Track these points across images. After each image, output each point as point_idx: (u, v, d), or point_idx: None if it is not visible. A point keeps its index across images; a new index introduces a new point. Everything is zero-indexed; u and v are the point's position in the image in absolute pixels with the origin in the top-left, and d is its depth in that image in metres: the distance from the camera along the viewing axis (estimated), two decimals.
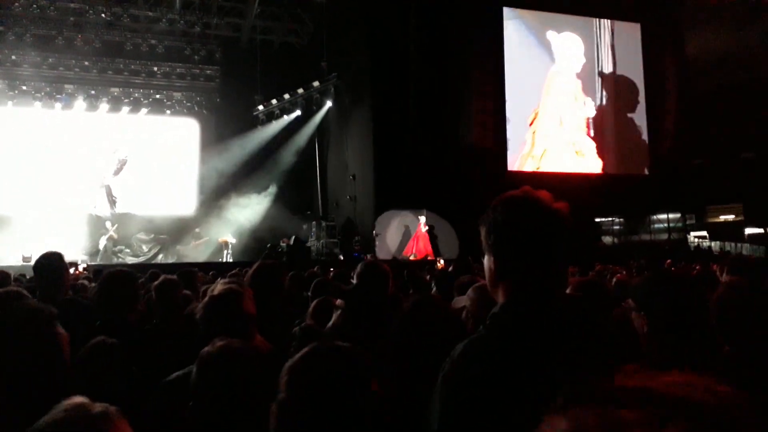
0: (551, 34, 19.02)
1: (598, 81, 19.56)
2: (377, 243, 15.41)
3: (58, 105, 17.95)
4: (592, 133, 19.28)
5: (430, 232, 15.38)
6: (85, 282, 5.50)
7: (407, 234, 16.04)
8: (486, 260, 1.45)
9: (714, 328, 1.88)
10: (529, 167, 18.33)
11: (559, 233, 1.38)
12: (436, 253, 14.76)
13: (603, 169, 19.23)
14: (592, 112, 19.33)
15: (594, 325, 1.48)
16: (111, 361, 1.70)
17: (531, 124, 18.56)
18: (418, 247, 15.41)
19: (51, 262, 3.20)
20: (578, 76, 19.27)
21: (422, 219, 15.53)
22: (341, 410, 1.12)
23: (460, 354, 1.36)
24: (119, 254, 17.52)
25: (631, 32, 20.13)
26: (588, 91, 19.40)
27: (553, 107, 18.87)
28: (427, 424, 1.35)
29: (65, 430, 1.02)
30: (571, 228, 1.39)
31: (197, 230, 18.00)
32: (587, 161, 19.14)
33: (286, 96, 18.57)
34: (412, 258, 14.36)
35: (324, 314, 2.92)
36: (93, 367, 1.69)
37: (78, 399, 1.10)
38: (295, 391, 1.10)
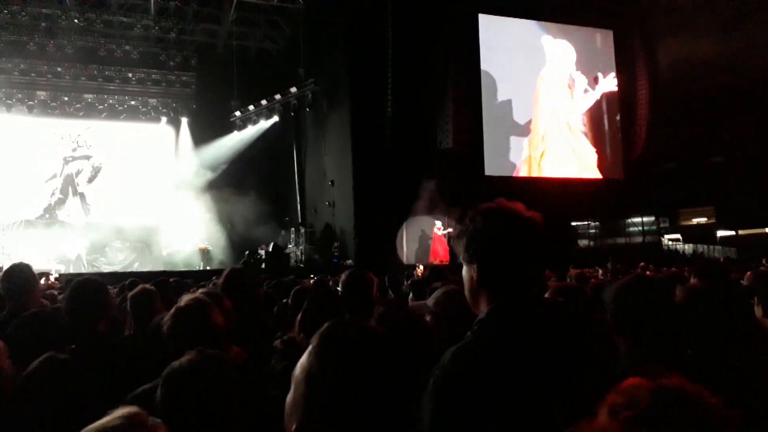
0: (546, 39, 19.30)
1: (577, 86, 19.83)
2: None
3: (29, 111, 17.61)
4: (585, 136, 19.67)
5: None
6: (54, 292, 5.39)
7: (424, 239, 16.00)
8: (466, 270, 1.51)
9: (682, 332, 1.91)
10: (525, 172, 18.54)
11: (535, 241, 1.45)
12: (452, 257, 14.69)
13: (601, 173, 19.60)
14: (580, 116, 19.69)
15: (576, 329, 1.52)
16: (61, 377, 1.66)
17: (530, 132, 18.80)
18: (437, 252, 15.42)
19: (19, 274, 3.11)
20: (567, 80, 19.59)
21: (438, 223, 15.52)
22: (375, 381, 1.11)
23: (451, 360, 1.39)
24: (94, 263, 17.22)
25: (604, 38, 20.48)
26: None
27: (548, 112, 19.15)
28: (417, 427, 1.37)
29: None
30: (545, 235, 1.46)
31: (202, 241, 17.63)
32: (587, 164, 19.47)
33: (264, 102, 18.48)
34: (435, 263, 14.23)
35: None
36: (41, 384, 1.65)
37: (132, 408, 1.10)
38: (325, 360, 1.09)
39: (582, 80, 19.70)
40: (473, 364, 1.36)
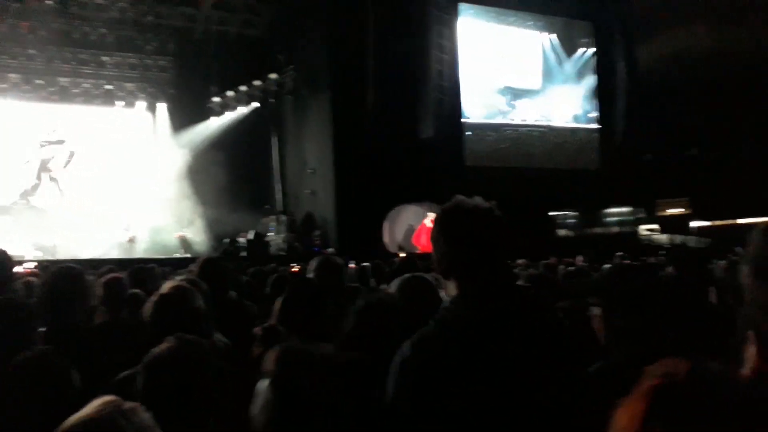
0: (508, 30, 19.36)
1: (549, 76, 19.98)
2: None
3: (1, 95, 17.18)
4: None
5: None
6: (33, 279, 5.30)
7: (410, 228, 16.00)
8: (436, 265, 1.56)
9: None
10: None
11: (489, 230, 1.51)
12: None
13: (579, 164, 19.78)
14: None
15: (541, 315, 1.54)
16: (45, 372, 1.66)
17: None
18: (420, 241, 15.47)
19: None
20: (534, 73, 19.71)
21: (430, 214, 15.51)
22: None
23: (410, 347, 1.41)
24: (71, 249, 16.92)
25: (582, 29, 20.62)
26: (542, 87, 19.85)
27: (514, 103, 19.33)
28: (380, 413, 1.39)
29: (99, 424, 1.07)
30: (502, 224, 1.52)
31: (125, 227, 17.08)
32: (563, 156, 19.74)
33: (243, 88, 18.27)
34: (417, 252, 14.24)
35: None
36: (24, 380, 1.65)
37: (107, 396, 1.14)
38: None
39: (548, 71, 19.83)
40: (432, 351, 1.39)
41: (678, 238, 18.99)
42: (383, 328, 1.72)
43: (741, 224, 18.44)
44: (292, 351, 1.13)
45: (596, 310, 1.88)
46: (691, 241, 18.63)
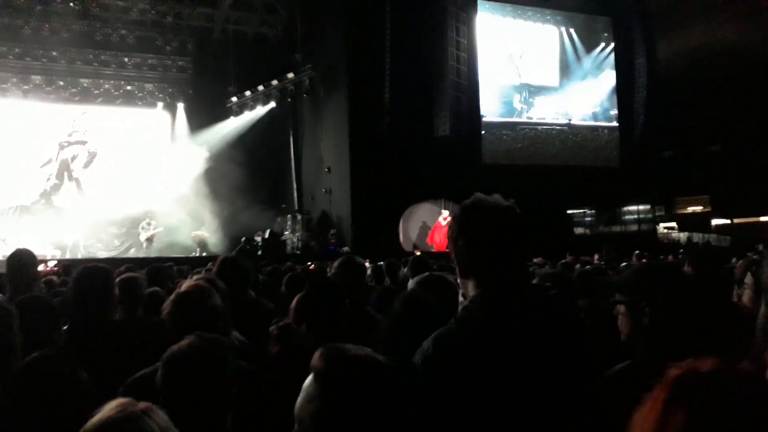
0: (525, 25, 19.26)
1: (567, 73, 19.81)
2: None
3: (24, 96, 17.49)
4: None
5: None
6: (54, 278, 5.40)
7: (424, 227, 16.07)
8: (455, 263, 1.53)
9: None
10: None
11: (510, 228, 1.47)
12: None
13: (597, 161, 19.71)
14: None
15: (560, 314, 1.53)
16: (50, 374, 1.68)
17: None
18: (434, 240, 15.51)
19: (22, 260, 3.19)
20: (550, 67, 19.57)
21: (444, 213, 15.56)
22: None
23: (432, 345, 1.41)
24: (90, 248, 17.20)
25: (601, 25, 20.41)
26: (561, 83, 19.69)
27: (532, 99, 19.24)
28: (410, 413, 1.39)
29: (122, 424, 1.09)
30: (523, 223, 1.48)
31: (148, 221, 17.10)
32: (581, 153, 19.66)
33: (260, 88, 18.38)
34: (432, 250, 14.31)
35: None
36: (29, 382, 1.68)
37: (120, 399, 1.16)
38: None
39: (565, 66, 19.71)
40: (454, 350, 1.38)
41: (698, 237, 18.73)
42: (421, 329, 1.71)
43: (763, 222, 18.14)
44: (337, 348, 1.15)
45: (621, 309, 1.85)
46: (712, 239, 18.38)
